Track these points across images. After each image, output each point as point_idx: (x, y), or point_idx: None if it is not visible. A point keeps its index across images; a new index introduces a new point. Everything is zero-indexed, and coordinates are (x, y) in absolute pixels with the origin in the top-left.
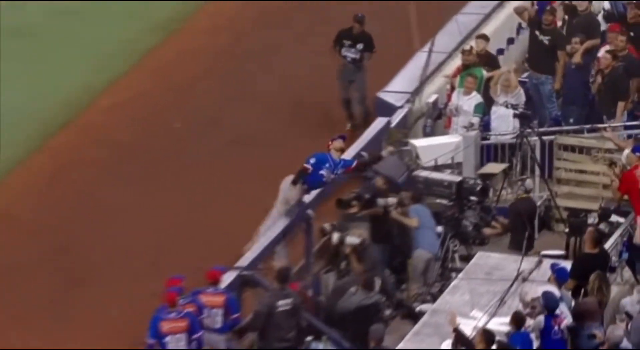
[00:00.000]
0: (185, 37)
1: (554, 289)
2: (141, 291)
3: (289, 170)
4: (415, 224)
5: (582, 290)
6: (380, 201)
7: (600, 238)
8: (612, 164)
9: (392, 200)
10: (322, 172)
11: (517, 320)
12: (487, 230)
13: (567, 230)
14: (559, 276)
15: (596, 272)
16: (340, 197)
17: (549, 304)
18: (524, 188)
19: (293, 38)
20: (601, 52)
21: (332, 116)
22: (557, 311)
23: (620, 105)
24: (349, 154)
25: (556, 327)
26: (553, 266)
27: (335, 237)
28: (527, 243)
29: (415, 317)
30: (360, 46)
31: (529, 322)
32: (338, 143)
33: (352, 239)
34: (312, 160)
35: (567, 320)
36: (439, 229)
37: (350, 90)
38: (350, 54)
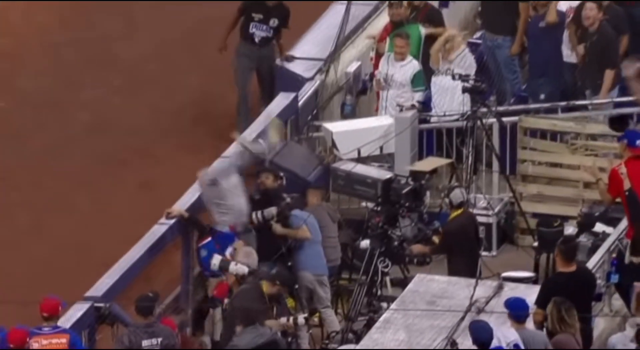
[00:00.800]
0: None
1: (512, 331)
2: None
3: (162, 180)
4: (308, 235)
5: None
6: (255, 215)
7: (575, 251)
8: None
9: (270, 211)
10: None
11: None
12: (416, 248)
13: (535, 244)
14: (514, 310)
15: (552, 299)
16: None
17: (477, 335)
18: (447, 201)
19: None
20: (564, 4)
21: (216, 96)
22: None
23: (609, 74)
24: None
25: None
26: (505, 302)
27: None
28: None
29: None
30: (274, 22)
31: None
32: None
33: (238, 268)
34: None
35: None
36: (365, 243)
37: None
38: (260, 32)
